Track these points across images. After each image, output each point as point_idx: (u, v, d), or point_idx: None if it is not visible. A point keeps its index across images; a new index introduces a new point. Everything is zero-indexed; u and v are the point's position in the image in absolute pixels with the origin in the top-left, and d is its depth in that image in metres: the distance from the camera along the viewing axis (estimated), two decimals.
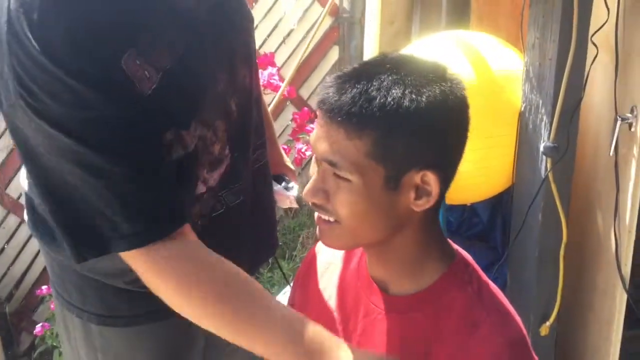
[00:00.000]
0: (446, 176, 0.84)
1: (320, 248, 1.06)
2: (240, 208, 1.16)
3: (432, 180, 0.81)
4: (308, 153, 2.21)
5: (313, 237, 2.66)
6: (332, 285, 1.00)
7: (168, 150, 0.96)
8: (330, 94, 0.80)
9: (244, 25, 1.17)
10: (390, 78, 0.79)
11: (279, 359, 0.87)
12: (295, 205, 1.37)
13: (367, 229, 0.84)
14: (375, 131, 0.77)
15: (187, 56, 0.96)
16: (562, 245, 1.65)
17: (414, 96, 0.78)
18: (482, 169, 1.76)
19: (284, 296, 1.51)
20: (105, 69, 0.88)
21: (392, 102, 0.77)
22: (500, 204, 2.20)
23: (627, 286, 1.57)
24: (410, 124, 0.78)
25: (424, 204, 0.83)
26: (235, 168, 1.13)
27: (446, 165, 0.84)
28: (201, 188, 1.08)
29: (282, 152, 1.48)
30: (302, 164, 2.27)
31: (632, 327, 1.70)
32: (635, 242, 1.57)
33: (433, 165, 0.81)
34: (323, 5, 3.01)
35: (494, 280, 1.98)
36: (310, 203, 0.85)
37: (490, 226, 2.28)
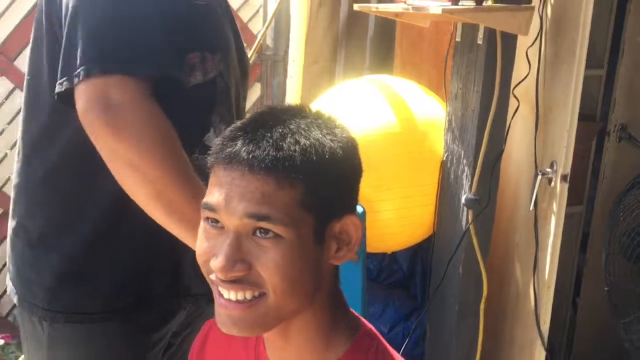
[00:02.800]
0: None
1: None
2: None
3: (352, 226, 0.75)
4: None
5: None
6: None
7: (190, 71, 1.03)
8: (240, 144, 0.71)
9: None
10: (303, 122, 0.73)
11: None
12: None
13: (299, 296, 0.73)
14: (306, 177, 0.70)
15: (214, 5, 1.10)
16: (483, 299, 1.62)
17: (333, 138, 0.74)
18: (403, 218, 1.71)
19: None
20: None
21: (317, 145, 0.71)
22: (419, 251, 2.17)
23: (545, 344, 1.54)
24: (336, 168, 0.73)
25: (345, 255, 0.76)
26: None
27: (355, 210, 0.78)
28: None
29: None
30: None
31: None
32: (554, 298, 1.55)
33: (351, 210, 0.76)
34: (246, 41, 2.94)
35: (414, 330, 1.95)
36: (225, 279, 0.71)
37: (410, 274, 2.24)
